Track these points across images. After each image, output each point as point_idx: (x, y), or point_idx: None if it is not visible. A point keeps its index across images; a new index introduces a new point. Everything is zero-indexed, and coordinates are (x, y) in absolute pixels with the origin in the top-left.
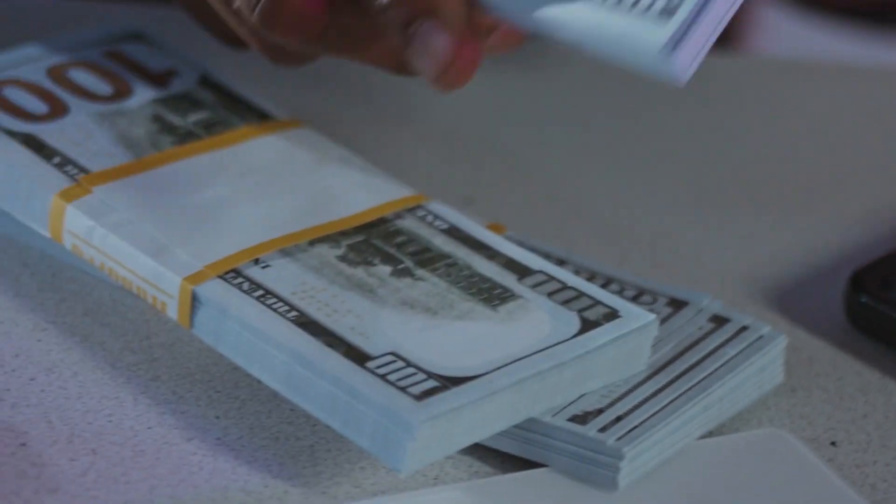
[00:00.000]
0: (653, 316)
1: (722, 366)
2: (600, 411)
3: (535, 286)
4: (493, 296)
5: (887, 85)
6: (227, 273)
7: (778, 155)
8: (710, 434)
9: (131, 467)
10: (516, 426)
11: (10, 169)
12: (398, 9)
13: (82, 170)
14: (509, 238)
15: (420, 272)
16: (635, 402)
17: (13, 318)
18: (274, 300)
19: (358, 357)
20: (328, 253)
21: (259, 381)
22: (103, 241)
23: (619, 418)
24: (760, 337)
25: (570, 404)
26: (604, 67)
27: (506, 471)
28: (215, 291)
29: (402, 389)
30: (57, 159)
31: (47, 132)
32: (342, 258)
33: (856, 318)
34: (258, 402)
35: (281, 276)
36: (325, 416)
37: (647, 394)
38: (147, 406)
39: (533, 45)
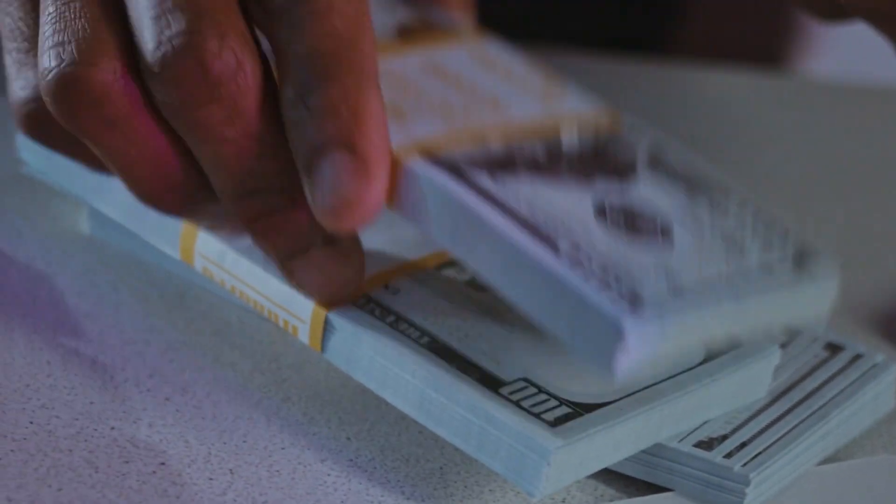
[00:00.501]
0: (774, 346)
1: (838, 394)
2: (725, 437)
3: None
4: None
5: None
6: (358, 299)
7: (868, 180)
8: (827, 461)
9: (268, 487)
10: (643, 451)
11: None
12: (312, 130)
13: None
14: None
15: None
16: (758, 428)
17: (146, 339)
18: (406, 325)
19: (491, 383)
20: (456, 277)
21: (387, 404)
22: (235, 264)
23: (743, 444)
24: (874, 365)
25: (694, 430)
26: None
27: (630, 494)
28: (348, 317)
29: (537, 416)
30: None
31: None
32: (469, 283)
33: None
34: (387, 425)
35: (412, 301)
36: (459, 441)
37: (769, 420)
38: (280, 427)
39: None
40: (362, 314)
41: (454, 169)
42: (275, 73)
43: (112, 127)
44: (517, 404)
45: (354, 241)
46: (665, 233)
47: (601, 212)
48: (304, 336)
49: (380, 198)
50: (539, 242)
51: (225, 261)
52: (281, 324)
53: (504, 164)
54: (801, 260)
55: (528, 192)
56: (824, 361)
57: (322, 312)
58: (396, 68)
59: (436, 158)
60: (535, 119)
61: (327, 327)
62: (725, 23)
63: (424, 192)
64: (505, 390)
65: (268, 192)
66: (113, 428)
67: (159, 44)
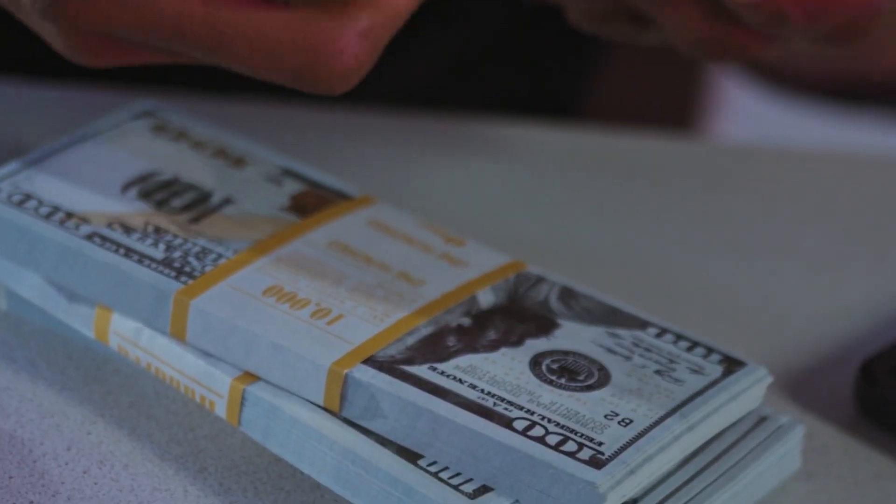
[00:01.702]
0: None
1: (746, 455)
2: (636, 501)
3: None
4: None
5: (867, 169)
6: None
7: (773, 245)
8: None
9: None
10: None
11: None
12: None
13: None
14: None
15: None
16: (668, 490)
17: (63, 411)
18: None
19: (409, 455)
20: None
21: (302, 473)
22: (151, 342)
23: (660, 503)
24: (779, 427)
25: None
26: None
27: None
28: (264, 391)
29: (455, 487)
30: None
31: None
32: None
33: (867, 408)
34: (302, 493)
35: None
36: None
37: (678, 484)
38: (196, 497)
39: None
40: (277, 389)
41: (395, 369)
42: None
43: None
44: (435, 476)
45: None
46: (602, 377)
47: (539, 371)
48: (220, 410)
49: None
50: (493, 422)
51: (140, 339)
52: (198, 399)
53: (437, 347)
54: (730, 370)
55: (469, 370)
56: (731, 425)
57: (239, 387)
58: (308, 253)
59: (375, 361)
60: (450, 288)
61: (244, 402)
62: (634, 85)
63: (375, 398)
64: (423, 462)
65: None
66: (31, 502)
67: None
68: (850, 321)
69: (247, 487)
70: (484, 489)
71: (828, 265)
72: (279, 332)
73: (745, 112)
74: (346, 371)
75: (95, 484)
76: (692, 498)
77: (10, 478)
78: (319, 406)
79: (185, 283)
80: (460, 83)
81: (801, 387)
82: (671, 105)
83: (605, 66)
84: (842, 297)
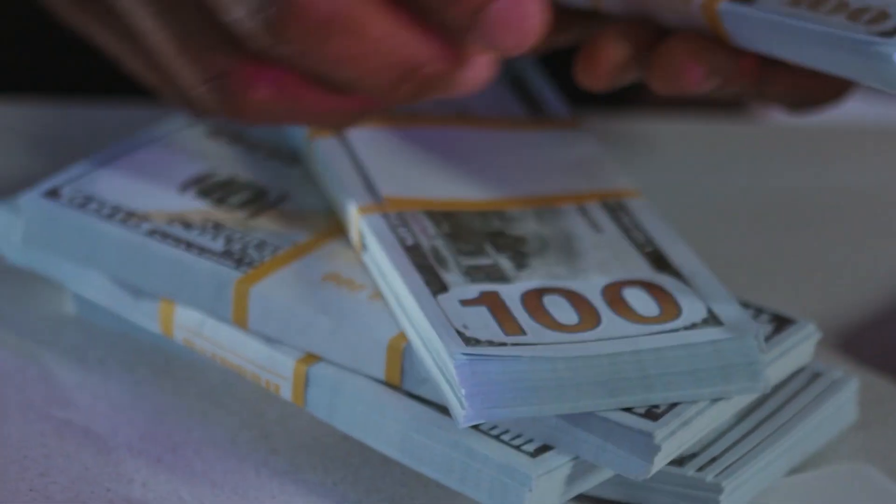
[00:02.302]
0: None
1: (800, 411)
2: (695, 455)
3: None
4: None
5: None
6: None
7: (823, 214)
8: (795, 471)
9: None
10: (618, 473)
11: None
12: None
13: None
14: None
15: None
16: (726, 445)
17: (134, 405)
18: None
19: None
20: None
21: (369, 448)
22: (215, 332)
23: (713, 459)
24: (833, 382)
25: None
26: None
27: None
28: (327, 371)
29: (517, 448)
30: None
31: None
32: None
33: None
34: (371, 467)
35: None
36: (442, 477)
37: (736, 438)
38: (268, 477)
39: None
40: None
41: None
42: None
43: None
44: (497, 438)
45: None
46: None
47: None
48: (286, 393)
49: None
50: None
51: (204, 329)
52: (263, 383)
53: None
54: (780, 327)
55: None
56: (786, 382)
57: (303, 368)
58: None
59: None
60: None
61: (308, 382)
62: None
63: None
64: (484, 426)
65: (416, 72)
66: (109, 490)
67: None
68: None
69: (316, 465)
70: (544, 448)
71: (878, 230)
72: (338, 312)
73: None
74: (404, 344)
75: (169, 470)
76: (749, 451)
77: (87, 468)
78: (381, 381)
79: (244, 272)
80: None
81: (855, 343)
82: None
83: None
84: (892, 257)
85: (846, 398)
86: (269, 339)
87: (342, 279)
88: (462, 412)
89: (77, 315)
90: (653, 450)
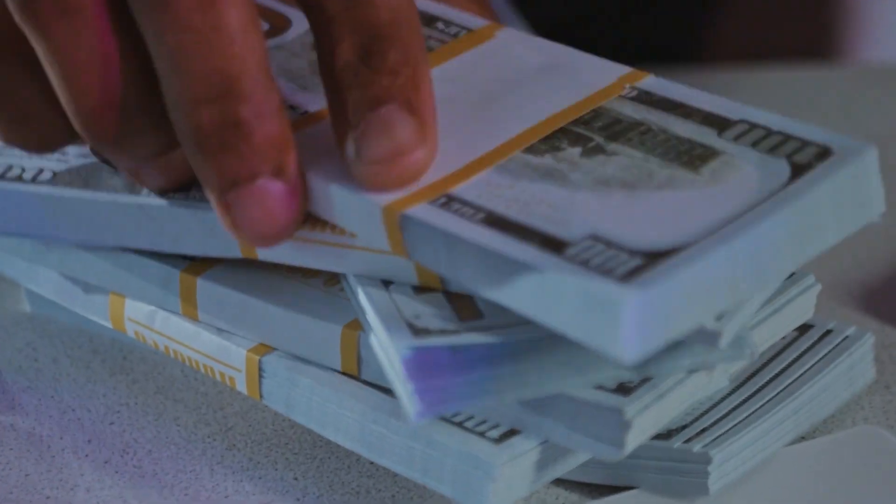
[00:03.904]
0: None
1: (808, 370)
2: (683, 427)
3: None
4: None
5: None
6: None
7: None
8: (803, 438)
9: None
10: None
11: None
12: (373, 86)
13: None
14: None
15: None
16: (719, 415)
17: (85, 405)
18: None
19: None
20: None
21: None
22: (165, 324)
23: (703, 430)
24: (846, 338)
25: None
26: None
27: (594, 499)
28: (281, 361)
29: (480, 434)
30: None
31: None
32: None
33: None
34: (336, 460)
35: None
36: (404, 469)
37: (731, 406)
38: (224, 475)
39: None
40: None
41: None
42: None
43: (67, 16)
44: (459, 425)
45: (302, 178)
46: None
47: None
48: (241, 385)
49: (427, 161)
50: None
51: (154, 322)
52: (217, 376)
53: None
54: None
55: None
56: (792, 342)
57: (255, 358)
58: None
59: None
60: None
61: (262, 373)
62: (761, 22)
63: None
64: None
65: (232, 98)
66: (48, 497)
67: None
68: None
69: (277, 460)
70: (511, 433)
71: None
72: (290, 299)
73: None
74: (360, 333)
75: (116, 473)
76: (744, 419)
77: (27, 475)
78: (338, 371)
79: (192, 259)
80: (577, 33)
81: (878, 299)
82: (801, 37)
83: (727, 5)
84: None
85: (861, 356)
86: (220, 331)
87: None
88: (412, 409)
89: (32, 313)
90: (624, 427)
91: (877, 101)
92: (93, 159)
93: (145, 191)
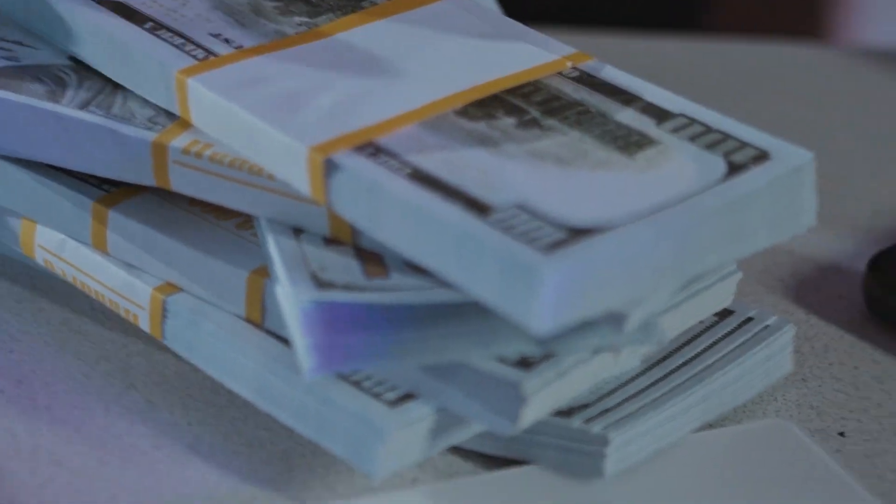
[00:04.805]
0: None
1: (722, 357)
2: (586, 406)
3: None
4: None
5: None
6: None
7: (803, 144)
8: (713, 426)
9: (94, 477)
10: None
11: None
12: None
13: None
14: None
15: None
16: (624, 396)
17: None
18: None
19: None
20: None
21: None
22: (74, 254)
23: (606, 411)
24: (766, 327)
25: None
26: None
27: (488, 470)
28: (186, 302)
29: (376, 396)
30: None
31: None
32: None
33: (874, 304)
34: (235, 409)
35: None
36: (297, 424)
37: (639, 388)
38: (118, 415)
39: None
40: (198, 302)
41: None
42: None
43: None
44: (355, 384)
45: None
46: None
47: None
48: (144, 323)
49: None
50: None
51: (64, 251)
52: (122, 312)
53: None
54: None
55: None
56: (710, 327)
57: (159, 297)
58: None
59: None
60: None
61: (165, 313)
62: (754, 1)
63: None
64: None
65: None
66: None
67: None
68: (867, 223)
69: (174, 403)
70: (407, 397)
71: (857, 170)
72: (200, 239)
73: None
74: (266, 280)
75: (8, 402)
76: (648, 403)
77: None
78: (241, 317)
79: (107, 190)
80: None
81: (808, 290)
82: (795, 15)
83: None
84: (864, 201)
85: (780, 347)
86: (129, 266)
87: (210, 206)
88: (306, 364)
89: None
90: (520, 401)
91: (867, 83)
92: (16, 62)
93: (66, 100)
